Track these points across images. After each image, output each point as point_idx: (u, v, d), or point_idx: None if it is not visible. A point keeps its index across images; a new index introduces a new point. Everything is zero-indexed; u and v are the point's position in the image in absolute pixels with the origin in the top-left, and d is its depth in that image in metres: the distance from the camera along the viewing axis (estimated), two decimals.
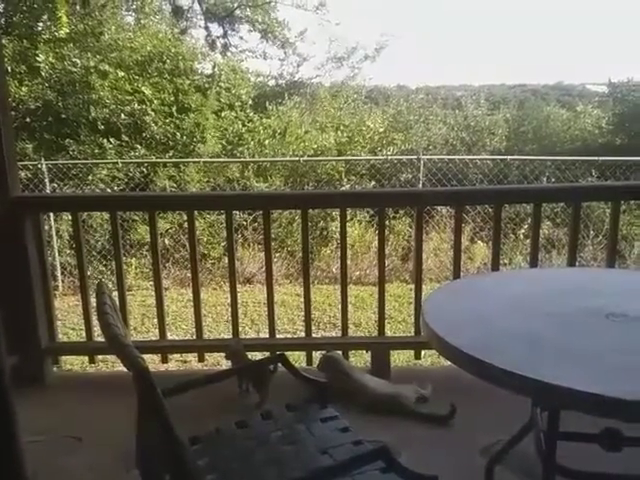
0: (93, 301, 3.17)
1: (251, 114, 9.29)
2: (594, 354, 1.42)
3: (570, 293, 1.82)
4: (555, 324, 1.59)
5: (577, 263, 3.83)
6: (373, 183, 8.32)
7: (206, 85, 9.07)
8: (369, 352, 3.24)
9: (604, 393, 1.20)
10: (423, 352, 3.28)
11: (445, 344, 1.49)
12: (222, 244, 7.18)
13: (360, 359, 3.85)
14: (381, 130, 9.67)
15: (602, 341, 1.49)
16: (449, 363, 1.56)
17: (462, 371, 1.48)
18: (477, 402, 2.44)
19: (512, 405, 1.84)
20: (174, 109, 8.49)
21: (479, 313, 1.69)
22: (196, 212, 3.24)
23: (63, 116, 8.27)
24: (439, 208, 7.32)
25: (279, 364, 2.56)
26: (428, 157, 8.11)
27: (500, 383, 1.34)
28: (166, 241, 7.09)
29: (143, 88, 8.39)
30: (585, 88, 17.95)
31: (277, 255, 7.11)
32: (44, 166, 7.33)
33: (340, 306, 3.15)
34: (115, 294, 3.01)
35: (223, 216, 7.00)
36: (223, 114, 9.07)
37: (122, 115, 8.24)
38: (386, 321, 3.44)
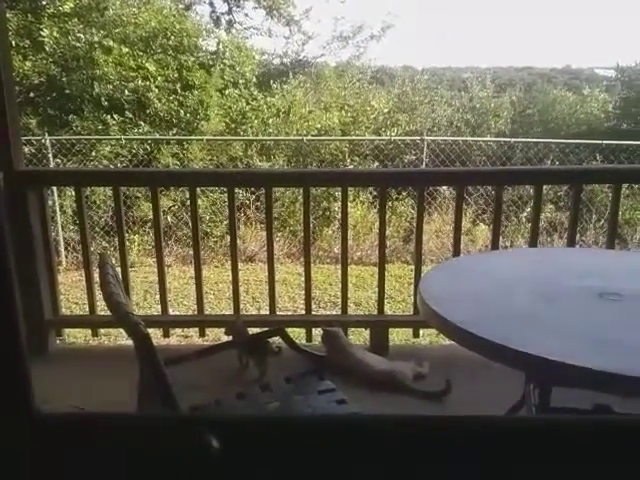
0: (96, 276, 3.21)
1: (255, 92, 9.24)
2: (586, 330, 1.45)
3: (565, 272, 1.84)
4: (549, 302, 1.62)
5: (578, 246, 3.85)
6: (377, 164, 8.30)
7: (210, 62, 9.02)
8: (368, 330, 3.28)
9: (595, 367, 1.23)
10: (422, 331, 3.31)
11: (441, 319, 1.52)
12: (224, 223, 7.20)
13: (359, 337, 3.89)
14: (386, 111, 9.62)
15: (594, 318, 1.52)
16: (447, 342, 1.59)
17: (459, 350, 1.51)
18: (473, 380, 2.48)
19: (507, 383, 1.88)
20: (178, 86, 8.45)
21: (475, 290, 1.72)
22: (199, 190, 3.26)
23: (67, 91, 8.24)
24: (442, 190, 7.31)
25: (280, 340, 2.61)
26: (432, 138, 8.08)
27: (493, 357, 1.37)
28: (169, 218, 7.12)
29: (147, 64, 8.34)
30: (593, 72, 17.77)
31: (279, 234, 7.14)
32: (48, 141, 7.32)
33: (340, 285, 3.18)
34: (118, 270, 3.04)
35: (225, 195, 7.03)
36: (227, 92, 9.03)
37: (126, 91, 8.21)
38: (386, 301, 3.48)
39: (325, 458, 0.72)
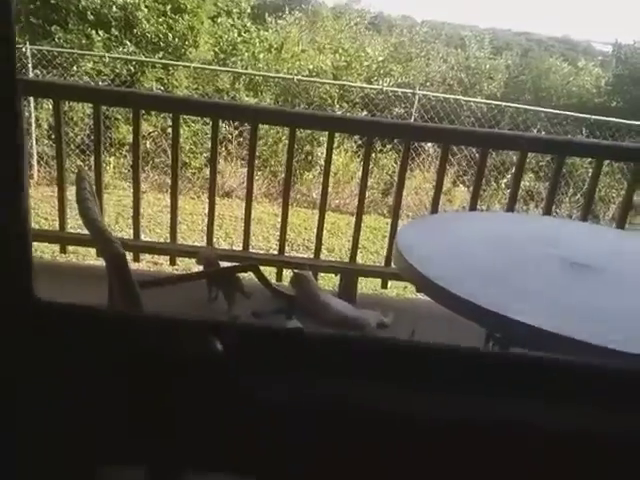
0: (69, 194, 3.14)
1: (248, 24, 8.93)
2: (553, 296, 1.48)
3: (540, 239, 1.87)
4: (521, 266, 1.64)
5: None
6: (365, 113, 8.19)
7: None
8: (338, 277, 3.31)
9: (556, 331, 1.26)
10: (390, 283, 3.35)
11: (414, 271, 1.54)
12: (204, 155, 7.09)
13: (329, 282, 3.93)
14: (380, 59, 9.42)
15: (563, 286, 1.55)
16: (413, 296, 1.61)
17: (424, 303, 1.53)
18: (434, 334, 2.53)
19: (468, 339, 1.92)
20: (168, 8, 8.11)
21: (450, 247, 1.73)
22: (181, 119, 3.17)
23: (52, 1, 7.85)
24: (426, 147, 7.29)
25: (251, 275, 2.61)
26: (424, 93, 7.98)
27: (458, 311, 1.40)
28: (147, 144, 6.96)
29: None
30: (590, 45, 17.60)
31: (259, 173, 7.06)
32: (28, 51, 7.02)
33: (316, 230, 3.18)
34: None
35: (208, 126, 6.86)
36: (219, 20, 8.71)
37: (113, 8, 7.86)
38: (359, 250, 3.50)
39: (321, 370, 0.74)
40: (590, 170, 5.06)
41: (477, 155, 5.17)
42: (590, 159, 6.23)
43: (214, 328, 0.74)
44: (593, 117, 7.53)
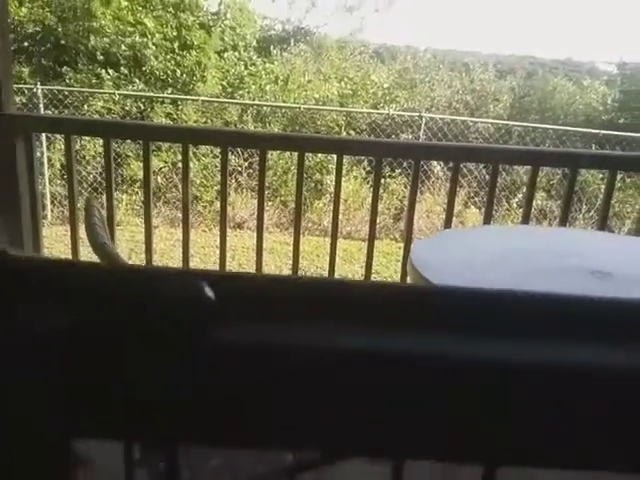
0: (81, 232, 3.15)
1: (254, 57, 9.08)
2: None
3: (558, 250, 1.83)
4: (541, 276, 1.60)
5: None
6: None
7: (210, 23, 8.83)
8: None
9: None
10: None
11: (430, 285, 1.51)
12: (215, 188, 7.14)
13: None
14: (385, 86, 9.51)
15: (586, 294, 1.51)
16: None
17: None
18: None
19: None
20: (176, 45, 8.27)
21: (466, 259, 1.70)
22: (190, 153, 3.19)
23: (62, 42, 8.05)
24: (435, 170, 7.28)
25: None
26: (431, 116, 8.02)
27: None
28: (159, 179, 7.03)
29: (146, 20, 8.16)
30: (594, 66, 17.66)
31: (269, 204, 7.09)
32: (40, 91, 7.17)
33: (328, 258, 3.15)
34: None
35: (218, 159, 6.92)
36: (226, 55, 8.87)
37: (122, 46, 8.03)
38: (372, 276, 3.46)
39: (317, 323, 0.70)
40: (602, 186, 5.01)
41: (487, 176, 5.15)
42: (602, 175, 6.19)
43: (207, 277, 0.70)
44: (602, 132, 7.51)
